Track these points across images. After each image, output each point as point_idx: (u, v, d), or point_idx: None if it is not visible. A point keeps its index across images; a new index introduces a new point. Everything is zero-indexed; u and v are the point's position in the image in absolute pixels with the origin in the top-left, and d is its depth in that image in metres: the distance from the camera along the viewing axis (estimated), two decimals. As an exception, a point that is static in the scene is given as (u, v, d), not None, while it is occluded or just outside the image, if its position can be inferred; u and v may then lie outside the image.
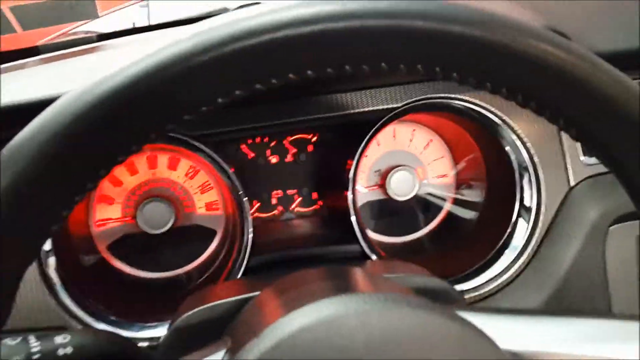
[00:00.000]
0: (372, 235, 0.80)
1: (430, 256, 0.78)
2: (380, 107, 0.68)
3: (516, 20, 0.29)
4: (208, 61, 0.27)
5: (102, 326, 0.63)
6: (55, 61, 0.71)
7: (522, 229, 0.70)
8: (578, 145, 0.69)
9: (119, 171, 0.75)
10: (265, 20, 0.27)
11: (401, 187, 0.78)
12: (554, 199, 0.68)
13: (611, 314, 0.50)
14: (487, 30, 0.28)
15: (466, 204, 0.81)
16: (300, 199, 0.80)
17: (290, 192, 0.80)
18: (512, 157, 0.70)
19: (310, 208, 0.81)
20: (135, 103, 0.27)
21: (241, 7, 0.83)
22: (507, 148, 0.71)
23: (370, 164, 0.81)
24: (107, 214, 0.76)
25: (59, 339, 0.37)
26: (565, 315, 0.33)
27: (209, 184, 0.78)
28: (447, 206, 0.82)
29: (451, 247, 0.78)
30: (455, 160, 0.82)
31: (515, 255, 0.69)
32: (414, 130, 0.82)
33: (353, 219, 0.68)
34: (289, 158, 0.79)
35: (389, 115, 0.67)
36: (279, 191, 0.80)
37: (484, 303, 0.68)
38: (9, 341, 0.35)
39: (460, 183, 0.82)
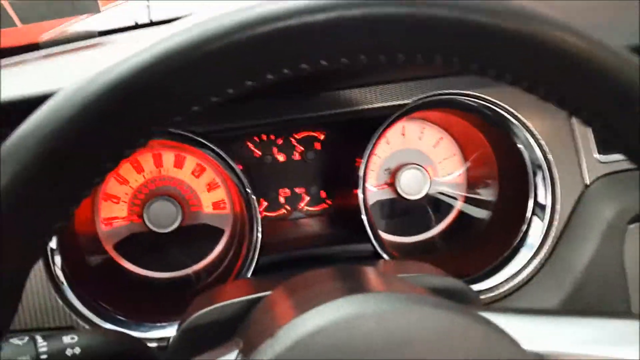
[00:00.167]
0: (383, 234, 0.79)
1: (442, 256, 0.77)
2: (389, 103, 0.67)
3: (539, 11, 0.27)
4: (218, 49, 0.26)
5: (110, 326, 0.62)
6: (56, 56, 0.70)
7: (537, 228, 0.69)
8: (592, 142, 0.68)
9: (125, 169, 0.75)
10: (278, 7, 0.26)
11: (411, 186, 0.77)
12: (569, 197, 0.67)
13: (633, 314, 0.48)
14: (511, 21, 0.27)
15: (478, 203, 0.79)
16: (308, 197, 0.79)
17: (298, 190, 0.79)
18: (525, 154, 0.69)
19: (319, 207, 0.80)
20: (141, 93, 0.26)
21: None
22: (520, 145, 0.69)
23: (380, 162, 0.80)
24: (113, 212, 0.75)
25: (67, 339, 0.37)
26: (588, 316, 0.33)
27: (216, 183, 0.77)
28: (459, 205, 0.81)
29: (464, 247, 0.77)
30: (466, 159, 0.81)
31: (531, 254, 0.68)
32: (423, 128, 0.80)
33: (364, 217, 0.67)
34: (296, 156, 0.78)
35: (399, 112, 0.66)
36: (287, 190, 0.79)
37: (501, 303, 0.67)
38: (16, 341, 0.35)
39: (472, 181, 0.81)
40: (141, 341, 0.40)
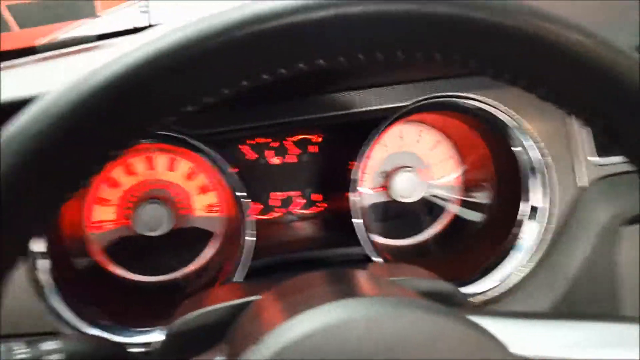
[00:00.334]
0: (377, 238, 0.78)
1: (436, 259, 0.77)
2: (386, 105, 0.66)
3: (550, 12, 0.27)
4: (215, 46, 0.25)
5: (94, 331, 0.60)
6: (54, 58, 0.69)
7: (531, 231, 0.68)
8: (588, 145, 0.67)
9: (116, 172, 0.74)
10: (275, 5, 0.26)
11: (405, 189, 0.76)
12: (564, 200, 0.67)
13: (622, 317, 0.48)
14: (511, 18, 0.26)
15: (473, 206, 0.79)
16: (302, 201, 0.78)
17: (292, 193, 0.78)
18: (522, 157, 0.69)
19: (313, 210, 0.79)
20: (131, 94, 0.25)
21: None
22: (517, 148, 0.69)
23: (377, 165, 0.79)
24: (102, 215, 0.74)
25: (49, 345, 0.36)
26: (576, 319, 0.33)
27: (209, 186, 0.76)
28: (454, 208, 0.81)
29: (458, 250, 0.77)
30: (463, 161, 0.80)
31: (525, 257, 0.67)
32: (421, 131, 0.80)
33: (355, 221, 0.66)
34: (291, 159, 0.77)
35: (396, 114, 0.66)
36: (281, 193, 0.78)
37: (493, 305, 0.66)
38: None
39: (468, 184, 0.80)
40: (122, 345, 0.40)
